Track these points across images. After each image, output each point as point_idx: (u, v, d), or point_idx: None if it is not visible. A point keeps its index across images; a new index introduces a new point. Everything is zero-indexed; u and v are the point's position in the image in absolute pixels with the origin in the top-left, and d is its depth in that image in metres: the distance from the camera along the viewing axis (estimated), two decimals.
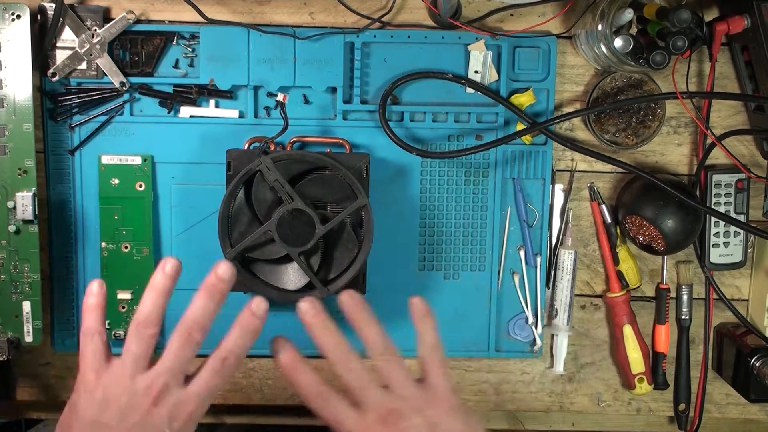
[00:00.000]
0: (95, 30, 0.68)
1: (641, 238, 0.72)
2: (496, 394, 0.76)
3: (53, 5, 0.66)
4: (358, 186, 0.65)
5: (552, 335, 0.75)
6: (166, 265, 0.53)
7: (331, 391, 0.54)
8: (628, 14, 0.65)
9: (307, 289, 0.66)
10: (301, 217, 0.64)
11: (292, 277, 0.67)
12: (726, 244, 0.74)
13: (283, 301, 0.66)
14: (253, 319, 0.53)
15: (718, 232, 0.74)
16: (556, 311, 0.74)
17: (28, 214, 0.66)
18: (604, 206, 0.74)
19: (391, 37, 0.70)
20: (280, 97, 0.69)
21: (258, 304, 0.53)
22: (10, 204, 0.67)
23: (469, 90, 0.71)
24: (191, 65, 0.70)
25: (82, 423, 0.51)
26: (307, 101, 0.71)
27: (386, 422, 0.51)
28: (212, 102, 0.70)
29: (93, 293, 0.54)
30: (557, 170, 0.74)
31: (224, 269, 0.52)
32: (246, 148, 0.69)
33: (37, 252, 0.68)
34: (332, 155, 0.67)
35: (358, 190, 0.65)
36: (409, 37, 0.70)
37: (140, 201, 0.70)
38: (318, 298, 0.65)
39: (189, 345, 0.52)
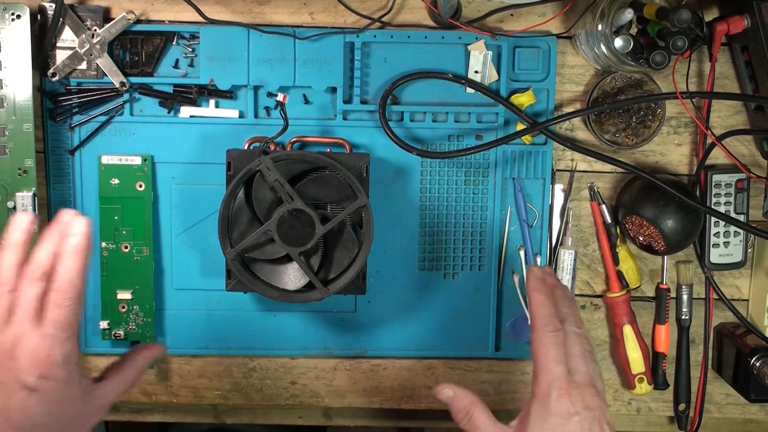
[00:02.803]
0: (95, 30, 0.68)
1: (641, 238, 0.72)
2: (496, 394, 0.76)
3: (53, 5, 0.66)
4: (358, 186, 0.65)
5: None
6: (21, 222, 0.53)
7: (561, 331, 0.56)
8: (628, 14, 0.65)
9: (307, 289, 0.66)
10: (301, 217, 0.64)
11: (292, 276, 0.67)
12: (726, 244, 0.74)
13: (283, 300, 0.66)
14: (73, 237, 0.53)
15: (718, 232, 0.74)
16: None
17: None
18: (604, 206, 0.74)
19: (391, 37, 0.70)
20: (280, 97, 0.69)
21: (76, 224, 0.53)
22: (10, 204, 0.67)
23: (469, 90, 0.71)
24: (191, 65, 0.70)
25: None
26: (307, 101, 0.71)
27: (586, 393, 0.53)
28: (212, 102, 0.70)
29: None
30: (557, 170, 0.74)
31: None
32: (246, 148, 0.69)
33: None
34: (332, 155, 0.67)
35: (358, 190, 0.65)
36: (409, 37, 0.70)
37: (140, 201, 0.70)
38: (318, 299, 0.65)
39: (35, 286, 0.51)
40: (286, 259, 0.66)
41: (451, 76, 0.70)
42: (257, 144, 0.69)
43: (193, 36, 0.70)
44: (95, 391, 0.55)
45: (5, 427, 0.49)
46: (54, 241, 0.53)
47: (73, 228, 0.53)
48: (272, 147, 0.69)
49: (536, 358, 0.55)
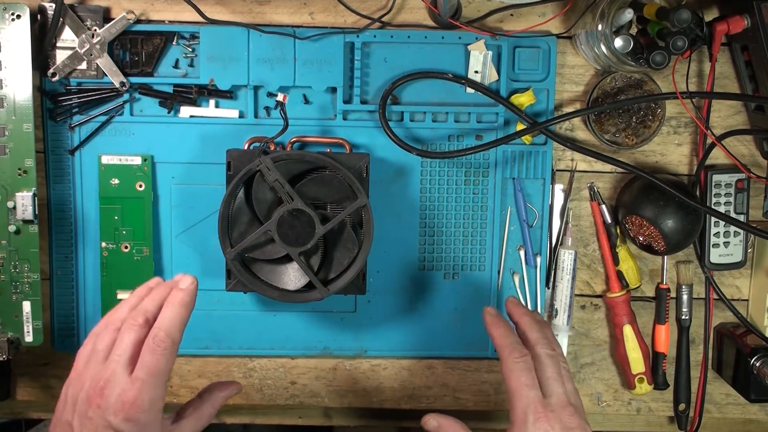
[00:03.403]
0: (95, 30, 0.68)
1: (641, 238, 0.72)
2: (496, 394, 0.76)
3: (53, 5, 0.66)
4: (358, 186, 0.65)
5: None
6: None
7: (528, 356, 0.57)
8: (628, 14, 0.65)
9: (307, 289, 0.66)
10: (301, 217, 0.64)
11: (292, 276, 0.67)
12: (726, 244, 0.74)
13: (283, 300, 0.66)
14: (179, 292, 0.54)
15: (718, 232, 0.74)
16: (556, 311, 0.74)
17: (28, 214, 0.66)
18: (604, 206, 0.74)
19: (391, 37, 0.70)
20: (280, 97, 0.69)
21: (184, 280, 0.54)
22: (10, 204, 0.67)
23: (469, 90, 0.71)
24: (191, 65, 0.70)
25: (54, 418, 0.52)
26: (307, 101, 0.71)
27: (564, 414, 0.54)
28: (212, 102, 0.70)
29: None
30: (557, 170, 0.74)
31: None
32: (246, 148, 0.69)
33: (37, 252, 0.68)
34: (332, 155, 0.67)
35: (358, 190, 0.65)
36: (409, 37, 0.70)
37: (140, 201, 0.70)
38: (318, 298, 0.65)
39: (134, 331, 0.52)
40: (286, 259, 0.66)
41: (451, 76, 0.70)
42: (257, 144, 0.69)
43: (193, 36, 0.70)
44: None
45: None
46: (163, 294, 0.54)
47: (181, 283, 0.54)
48: (272, 147, 0.69)
49: (508, 387, 0.56)
